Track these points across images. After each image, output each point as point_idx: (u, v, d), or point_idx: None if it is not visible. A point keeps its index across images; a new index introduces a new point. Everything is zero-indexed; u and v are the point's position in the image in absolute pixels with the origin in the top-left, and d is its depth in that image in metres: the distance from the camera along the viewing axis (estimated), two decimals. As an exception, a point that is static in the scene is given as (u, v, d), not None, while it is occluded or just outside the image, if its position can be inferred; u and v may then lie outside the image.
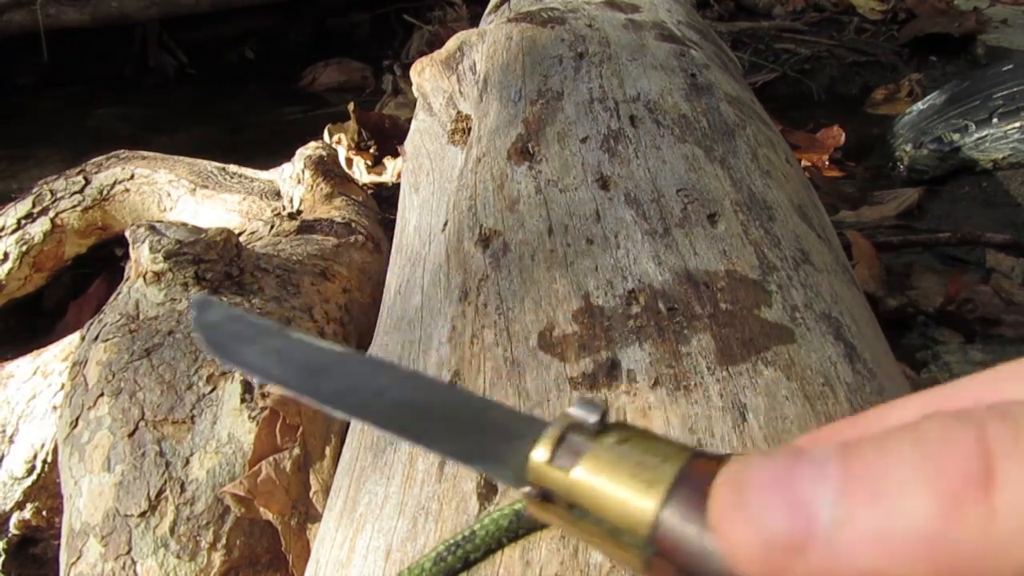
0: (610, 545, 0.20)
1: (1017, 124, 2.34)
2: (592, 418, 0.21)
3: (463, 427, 0.23)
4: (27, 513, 1.29)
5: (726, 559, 0.17)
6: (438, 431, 0.23)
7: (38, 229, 1.87)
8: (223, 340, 0.27)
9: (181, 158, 2.00)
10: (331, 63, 3.78)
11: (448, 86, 1.36)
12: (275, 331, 0.28)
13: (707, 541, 0.17)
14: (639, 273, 0.74)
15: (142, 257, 1.15)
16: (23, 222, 1.87)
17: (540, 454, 0.21)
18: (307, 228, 1.56)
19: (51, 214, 1.88)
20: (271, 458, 0.98)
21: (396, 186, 2.22)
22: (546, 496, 0.21)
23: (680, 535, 0.18)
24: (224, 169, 1.95)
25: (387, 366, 0.26)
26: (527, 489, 0.21)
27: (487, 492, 0.59)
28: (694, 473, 0.19)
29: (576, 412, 0.21)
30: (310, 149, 1.86)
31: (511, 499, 0.55)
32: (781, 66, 3.32)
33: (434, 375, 0.76)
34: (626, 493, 0.19)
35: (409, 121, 1.51)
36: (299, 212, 1.73)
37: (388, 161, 2.61)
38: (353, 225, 1.60)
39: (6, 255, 1.84)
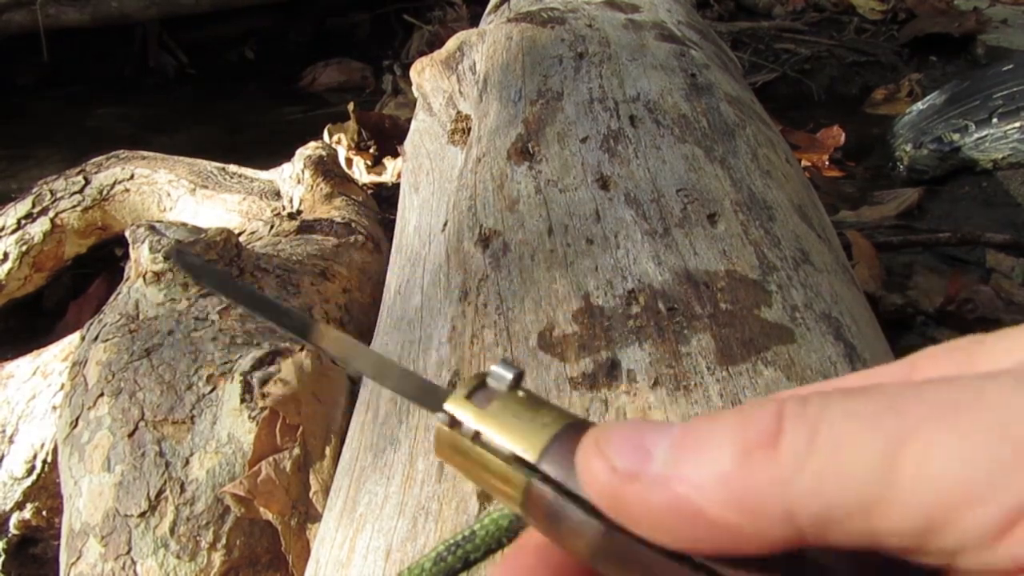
0: (496, 479, 0.24)
1: (1017, 124, 2.34)
2: (509, 375, 0.25)
3: (399, 371, 0.29)
4: (27, 513, 1.29)
5: (584, 490, 0.22)
6: (377, 367, 0.29)
7: (38, 229, 1.87)
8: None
9: (181, 158, 2.00)
10: (331, 63, 3.78)
11: (448, 86, 1.36)
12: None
13: (572, 483, 0.22)
14: (639, 273, 0.74)
15: (142, 257, 1.15)
16: (23, 222, 1.87)
17: (461, 391, 0.26)
18: (307, 228, 1.56)
19: (51, 214, 1.88)
20: (271, 458, 0.98)
21: (396, 186, 2.22)
22: (454, 423, 0.25)
23: (556, 471, 0.23)
24: (224, 169, 1.95)
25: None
26: (441, 415, 0.26)
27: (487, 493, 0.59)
28: (575, 429, 0.23)
29: (497, 369, 0.26)
30: (310, 149, 1.86)
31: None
32: (781, 66, 3.32)
33: (434, 375, 0.76)
34: (523, 431, 0.24)
35: (409, 121, 1.51)
36: (299, 212, 1.73)
37: (388, 161, 2.61)
38: (353, 225, 1.60)
39: (6, 255, 1.84)
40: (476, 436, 0.25)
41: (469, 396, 0.26)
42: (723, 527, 0.19)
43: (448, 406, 0.26)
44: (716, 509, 0.19)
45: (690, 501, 0.19)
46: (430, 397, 0.27)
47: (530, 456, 0.23)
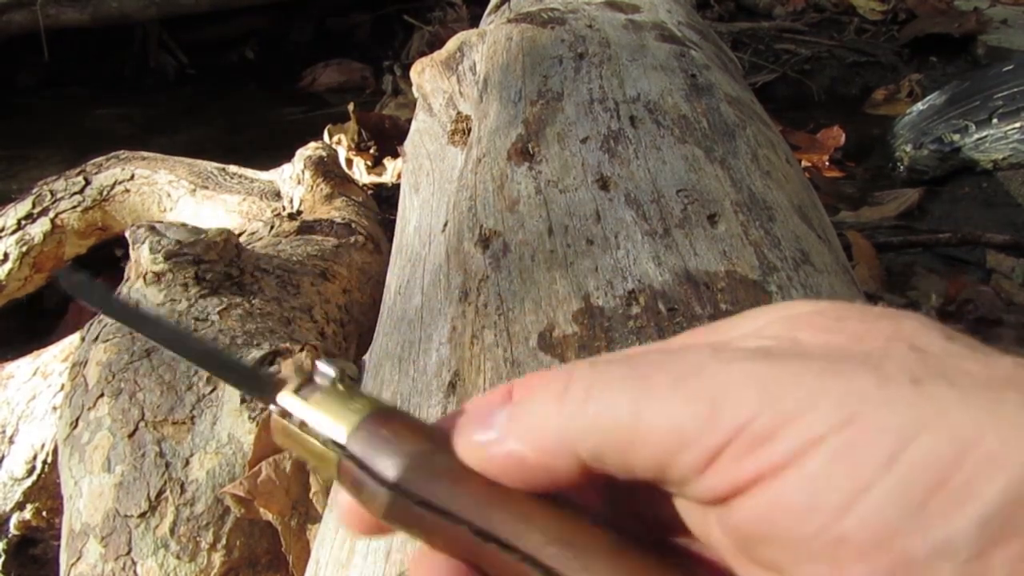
0: (317, 457, 0.30)
1: (1017, 124, 2.34)
2: (332, 372, 0.30)
3: (235, 365, 0.34)
4: (27, 514, 1.29)
5: (460, 455, 0.28)
6: (217, 363, 0.33)
7: (38, 229, 1.87)
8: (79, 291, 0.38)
9: (181, 159, 2.00)
10: (331, 63, 3.78)
11: (448, 86, 1.36)
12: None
13: (370, 458, 0.28)
14: (639, 274, 0.74)
15: (142, 258, 1.15)
16: (23, 222, 1.87)
17: (291, 386, 0.31)
18: (307, 229, 1.56)
19: (51, 215, 1.88)
20: (271, 459, 0.98)
21: (396, 186, 2.22)
22: (285, 413, 0.30)
23: (359, 450, 0.28)
24: (224, 170, 1.95)
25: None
26: (273, 407, 0.31)
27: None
28: (379, 415, 0.29)
29: (321, 366, 0.31)
30: (310, 149, 1.86)
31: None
32: (781, 66, 3.32)
33: (434, 375, 0.76)
34: (337, 419, 0.29)
35: (409, 121, 1.51)
36: (299, 213, 1.73)
37: (388, 161, 2.61)
38: (353, 226, 1.60)
39: (6, 255, 1.84)
40: (302, 424, 0.30)
41: (298, 390, 0.30)
42: (539, 466, 0.26)
43: (281, 399, 0.31)
44: (533, 455, 0.26)
45: (518, 452, 0.26)
46: (265, 389, 0.31)
47: (340, 439, 0.29)
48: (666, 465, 0.24)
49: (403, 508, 0.27)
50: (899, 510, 0.20)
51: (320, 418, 0.29)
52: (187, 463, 0.98)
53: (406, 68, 3.03)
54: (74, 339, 1.40)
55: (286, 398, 0.31)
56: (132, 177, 1.93)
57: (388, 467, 0.27)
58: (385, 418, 0.29)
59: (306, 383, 0.31)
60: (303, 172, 1.80)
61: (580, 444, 0.25)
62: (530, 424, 0.26)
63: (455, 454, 0.28)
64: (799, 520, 0.21)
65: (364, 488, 0.28)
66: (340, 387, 0.30)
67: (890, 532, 0.20)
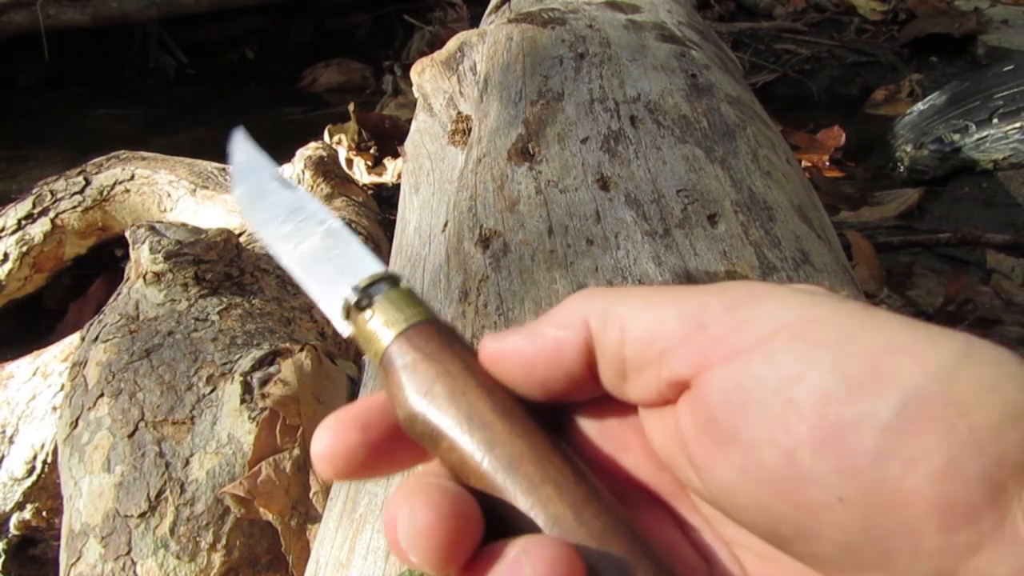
0: (372, 348, 0.33)
1: (1017, 124, 2.34)
2: (400, 278, 0.35)
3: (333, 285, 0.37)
4: (27, 514, 1.29)
5: (480, 358, 0.32)
6: (319, 289, 0.37)
7: (38, 230, 1.87)
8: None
9: (181, 159, 2.00)
10: (331, 64, 3.78)
11: (448, 87, 1.36)
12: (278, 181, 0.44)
13: (401, 365, 0.32)
14: (639, 274, 0.74)
15: (142, 258, 1.15)
16: (23, 222, 1.87)
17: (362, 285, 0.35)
18: (307, 228, 1.56)
19: (51, 215, 1.88)
20: (271, 459, 0.98)
21: (396, 186, 2.22)
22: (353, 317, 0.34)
23: (396, 351, 0.32)
24: (224, 170, 1.95)
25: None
26: (347, 325, 0.35)
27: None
28: (425, 323, 0.33)
29: (390, 273, 0.35)
30: (310, 150, 1.86)
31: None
32: (781, 66, 3.32)
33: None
34: (393, 320, 0.33)
35: (409, 122, 1.51)
36: (299, 212, 1.73)
37: (388, 162, 2.61)
38: (353, 225, 1.60)
39: (6, 255, 1.84)
40: (370, 318, 0.34)
41: (358, 304, 0.34)
42: (553, 338, 0.30)
43: (349, 293, 0.35)
44: (551, 329, 0.31)
45: (537, 332, 0.31)
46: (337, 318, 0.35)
47: (386, 341, 0.32)
48: (656, 335, 0.29)
49: (423, 421, 0.30)
50: (838, 383, 0.25)
51: (381, 317, 0.33)
52: (187, 463, 0.98)
53: (406, 68, 3.03)
54: (74, 339, 1.40)
55: (355, 294, 0.34)
56: (132, 177, 1.93)
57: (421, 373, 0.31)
58: (427, 329, 0.32)
59: (377, 281, 0.35)
60: (303, 172, 1.80)
61: (594, 317, 0.30)
62: (557, 311, 0.31)
63: (474, 372, 0.31)
64: (760, 385, 0.26)
65: (395, 389, 0.31)
66: (404, 287, 0.35)
67: (829, 398, 0.25)
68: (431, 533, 0.27)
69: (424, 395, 0.31)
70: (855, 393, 0.24)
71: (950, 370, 0.24)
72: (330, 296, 0.36)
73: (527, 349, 0.31)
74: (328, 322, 1.35)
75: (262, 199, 0.43)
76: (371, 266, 0.36)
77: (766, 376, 0.26)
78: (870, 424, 0.24)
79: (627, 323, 0.29)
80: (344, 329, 0.35)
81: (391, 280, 0.35)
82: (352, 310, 0.34)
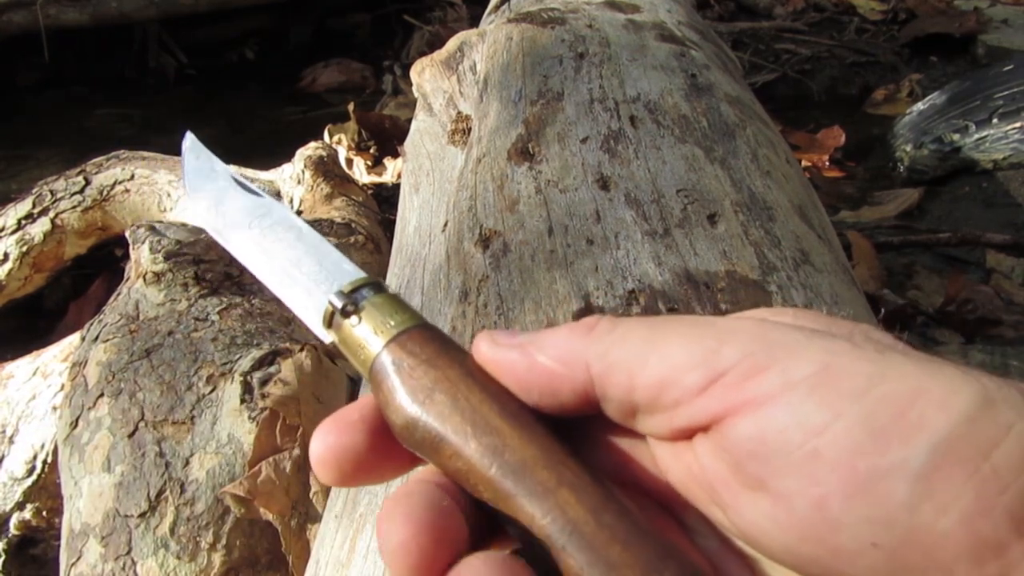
0: (359, 357, 0.32)
1: (1017, 124, 2.34)
2: (383, 286, 0.34)
3: (310, 291, 0.36)
4: (27, 513, 1.29)
5: (475, 356, 0.32)
6: (292, 294, 0.36)
7: (38, 229, 1.87)
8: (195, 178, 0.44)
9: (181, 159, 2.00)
10: (331, 63, 3.77)
11: (448, 86, 1.36)
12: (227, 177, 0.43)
13: (396, 372, 0.31)
14: (639, 273, 0.74)
15: (142, 257, 1.15)
16: (23, 222, 1.87)
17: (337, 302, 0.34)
18: (307, 228, 1.56)
19: (51, 214, 1.88)
20: (271, 458, 0.98)
21: (396, 186, 2.22)
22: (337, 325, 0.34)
23: (387, 358, 0.31)
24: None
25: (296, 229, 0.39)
26: (334, 298, 0.34)
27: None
28: (415, 328, 0.32)
29: (373, 280, 0.35)
30: (310, 149, 1.86)
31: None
32: (781, 66, 3.32)
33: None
34: (379, 327, 0.32)
35: (409, 121, 1.51)
36: (299, 212, 1.73)
37: (388, 161, 2.61)
38: (353, 225, 1.60)
39: (6, 255, 1.84)
40: (356, 324, 0.33)
41: (342, 310, 0.34)
42: (549, 372, 0.30)
43: (333, 298, 0.34)
44: (549, 362, 0.30)
45: (533, 357, 0.30)
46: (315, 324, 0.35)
47: (376, 348, 0.32)
48: (668, 384, 0.28)
49: (422, 429, 0.30)
50: (865, 433, 0.25)
51: (367, 325, 0.32)
52: (187, 463, 0.98)
53: (406, 68, 3.03)
54: (74, 339, 1.40)
55: (338, 300, 0.34)
56: (132, 177, 1.93)
57: (416, 378, 0.30)
58: (420, 334, 0.32)
59: (361, 287, 0.34)
60: (303, 172, 1.80)
61: (595, 362, 0.30)
62: (554, 342, 0.31)
63: (475, 376, 0.31)
64: (784, 436, 0.26)
65: (386, 394, 0.31)
66: (380, 297, 0.34)
67: (856, 450, 0.25)
68: (406, 551, 0.27)
69: (423, 401, 0.30)
70: (883, 443, 0.25)
71: (971, 415, 0.25)
72: (308, 303, 0.35)
73: (520, 369, 0.31)
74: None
75: (221, 204, 0.41)
76: (353, 272, 0.35)
77: (790, 427, 0.26)
78: (901, 473, 0.24)
79: (635, 370, 0.29)
80: (326, 336, 0.34)
81: (375, 286, 0.34)
82: (336, 316, 0.33)
